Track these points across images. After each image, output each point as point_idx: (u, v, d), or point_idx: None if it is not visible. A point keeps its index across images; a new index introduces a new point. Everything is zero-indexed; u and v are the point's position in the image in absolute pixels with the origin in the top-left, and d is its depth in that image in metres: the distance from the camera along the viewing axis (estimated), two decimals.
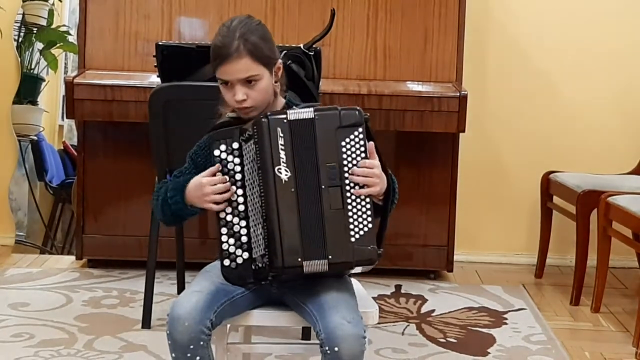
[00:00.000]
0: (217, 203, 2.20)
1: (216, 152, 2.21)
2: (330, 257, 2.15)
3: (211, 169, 2.22)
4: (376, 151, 2.21)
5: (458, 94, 3.88)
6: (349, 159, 2.17)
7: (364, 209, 2.17)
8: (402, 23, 4.12)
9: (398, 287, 4.06)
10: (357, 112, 2.19)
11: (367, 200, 2.17)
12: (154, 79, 3.75)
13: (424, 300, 3.89)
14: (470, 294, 4.01)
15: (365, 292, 2.41)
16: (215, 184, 2.20)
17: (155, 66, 3.40)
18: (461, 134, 4.07)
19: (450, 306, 3.82)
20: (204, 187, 2.20)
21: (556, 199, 4.25)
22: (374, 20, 4.12)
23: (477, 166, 4.52)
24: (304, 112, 2.19)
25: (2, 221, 4.66)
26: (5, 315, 3.49)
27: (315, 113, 2.18)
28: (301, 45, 3.12)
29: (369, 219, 2.17)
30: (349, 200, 2.16)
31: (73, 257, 4.30)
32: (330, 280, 2.23)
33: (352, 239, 2.15)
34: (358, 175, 2.16)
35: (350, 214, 2.16)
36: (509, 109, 4.54)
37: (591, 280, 3.85)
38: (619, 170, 4.36)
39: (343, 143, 2.17)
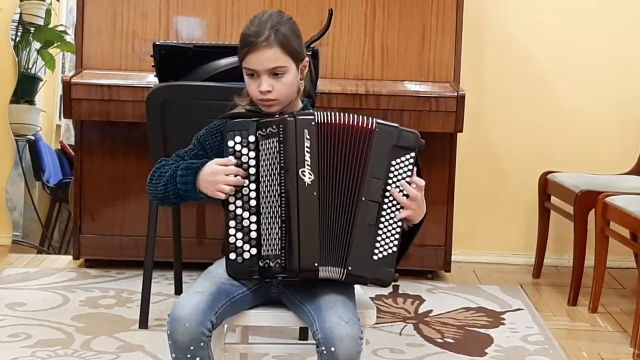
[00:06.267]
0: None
1: (230, 143, 2.18)
2: (349, 267, 2.15)
3: (227, 160, 2.17)
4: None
5: (456, 94, 3.88)
6: (395, 179, 2.17)
7: (394, 231, 2.17)
8: (399, 22, 4.12)
9: (396, 287, 4.05)
10: (415, 136, 2.19)
11: (399, 224, 2.18)
12: (151, 79, 3.75)
13: (422, 301, 3.89)
14: (468, 294, 4.00)
15: (363, 292, 2.41)
16: (229, 175, 2.16)
17: (152, 66, 3.40)
18: (459, 134, 4.07)
19: (447, 306, 3.82)
20: (218, 174, 2.17)
21: (554, 199, 4.25)
22: (371, 20, 4.12)
23: (475, 166, 4.52)
24: (361, 120, 2.16)
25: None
26: (2, 315, 3.48)
27: (377, 125, 2.17)
28: None
29: (396, 242, 2.17)
30: (382, 219, 2.16)
31: (70, 257, 4.29)
32: (330, 281, 2.21)
33: (375, 257, 2.16)
34: (403, 192, 2.17)
35: (380, 232, 2.16)
36: (507, 108, 4.54)
37: (589, 280, 3.85)
38: (617, 171, 4.35)
39: (393, 162, 2.17)
